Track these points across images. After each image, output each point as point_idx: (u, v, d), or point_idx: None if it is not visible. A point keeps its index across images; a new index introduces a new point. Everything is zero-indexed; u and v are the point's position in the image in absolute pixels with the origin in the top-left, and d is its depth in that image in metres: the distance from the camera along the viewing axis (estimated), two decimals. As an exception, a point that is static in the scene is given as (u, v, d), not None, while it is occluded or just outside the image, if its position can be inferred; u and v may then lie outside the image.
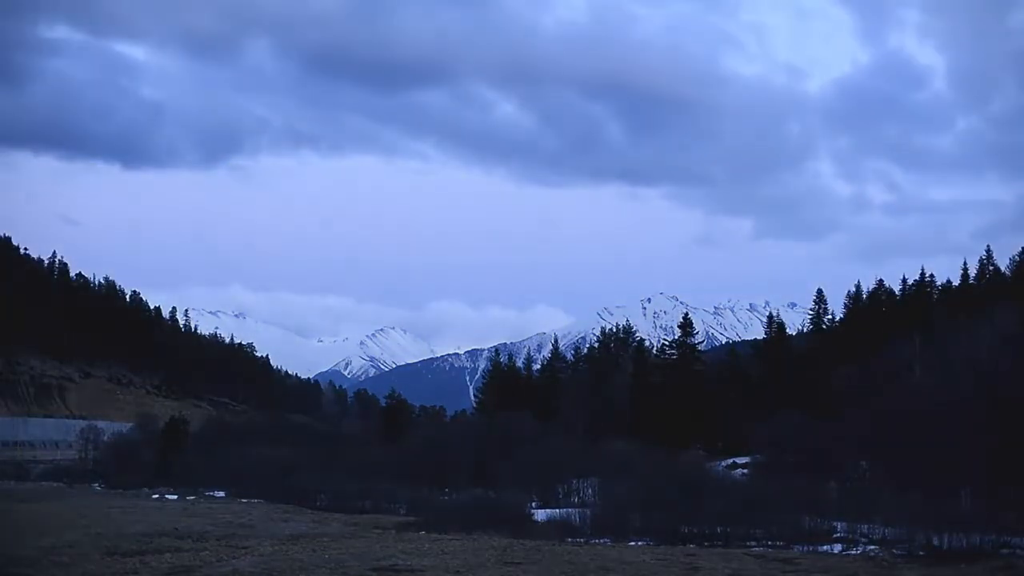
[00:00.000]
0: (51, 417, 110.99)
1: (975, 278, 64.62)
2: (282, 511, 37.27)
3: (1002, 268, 63.95)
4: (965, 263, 65.80)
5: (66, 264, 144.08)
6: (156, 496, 46.78)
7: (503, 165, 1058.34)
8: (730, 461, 48.03)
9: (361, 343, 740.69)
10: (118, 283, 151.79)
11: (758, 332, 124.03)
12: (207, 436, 66.77)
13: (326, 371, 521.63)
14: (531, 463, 41.52)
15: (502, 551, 21.97)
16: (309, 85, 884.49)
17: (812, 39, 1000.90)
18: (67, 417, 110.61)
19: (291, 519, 33.24)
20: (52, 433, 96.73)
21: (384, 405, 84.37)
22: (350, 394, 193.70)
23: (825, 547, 23.76)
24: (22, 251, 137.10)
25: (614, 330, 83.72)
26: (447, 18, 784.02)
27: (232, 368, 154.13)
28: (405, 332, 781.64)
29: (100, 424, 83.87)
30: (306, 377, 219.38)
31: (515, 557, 20.77)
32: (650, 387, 63.56)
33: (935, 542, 21.91)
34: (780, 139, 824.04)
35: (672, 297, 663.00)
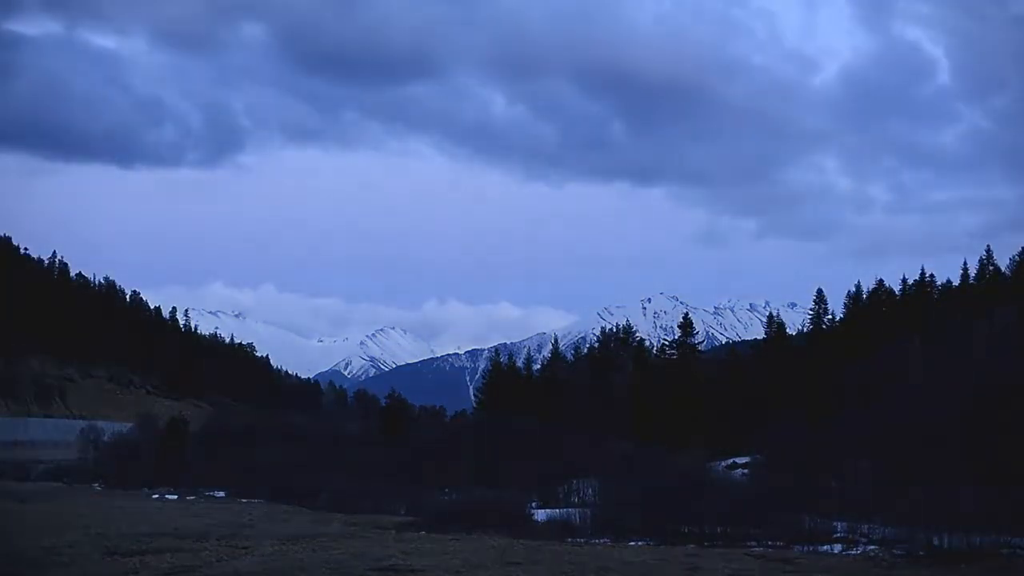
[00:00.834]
0: (51, 417, 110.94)
1: (975, 278, 64.64)
2: (282, 511, 37.24)
3: (1002, 268, 64.02)
4: (965, 263, 65.91)
5: (66, 264, 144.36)
6: (156, 496, 46.75)
7: (504, 163, 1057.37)
8: (730, 461, 47.99)
9: (361, 343, 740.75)
10: (118, 283, 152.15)
11: (758, 332, 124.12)
12: (207, 436, 66.65)
13: (326, 371, 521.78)
14: (531, 463, 41.51)
15: (502, 551, 21.96)
16: (307, 81, 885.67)
17: (816, 29, 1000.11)
18: (67, 417, 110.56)
19: (291, 519, 33.22)
20: (52, 433, 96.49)
21: (384, 405, 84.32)
22: (350, 394, 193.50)
23: (825, 547, 23.76)
24: (22, 251, 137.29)
25: (614, 330, 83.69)
26: (436, 11, 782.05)
27: (232, 368, 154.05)
28: (405, 332, 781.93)
29: (100, 424, 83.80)
30: (306, 377, 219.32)
31: (515, 557, 20.76)
32: (650, 387, 63.51)
33: (935, 542, 21.89)
34: (779, 137, 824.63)
35: (672, 297, 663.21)
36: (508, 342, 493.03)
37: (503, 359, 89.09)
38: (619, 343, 78.49)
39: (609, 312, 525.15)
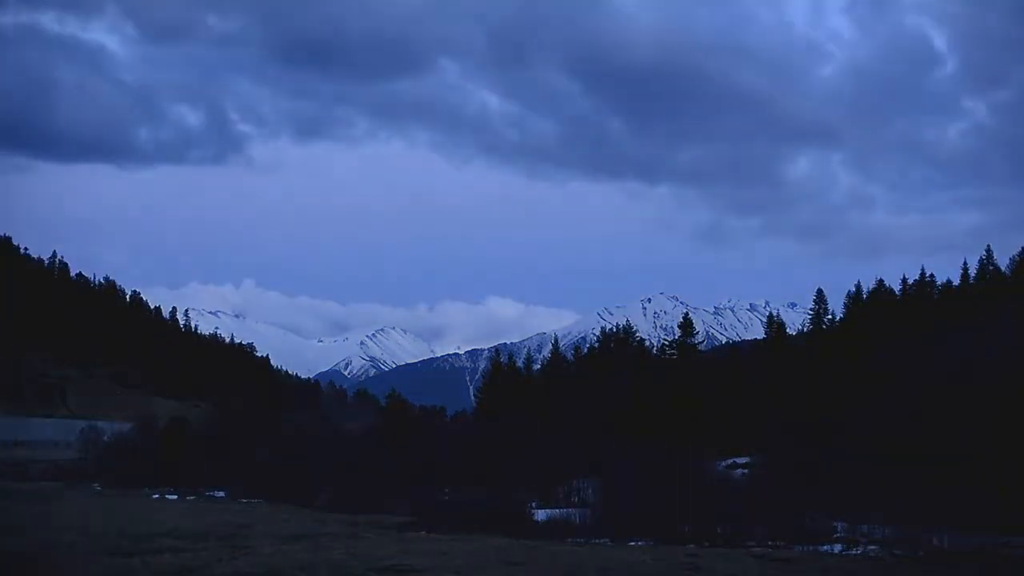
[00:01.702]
0: (51, 417, 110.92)
1: (975, 278, 64.61)
2: (282, 511, 37.26)
3: (1002, 268, 63.99)
4: (965, 263, 65.87)
5: (66, 264, 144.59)
6: (156, 496, 46.74)
7: (504, 160, 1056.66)
8: (730, 461, 47.93)
9: (361, 343, 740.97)
10: (118, 283, 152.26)
11: (758, 332, 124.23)
12: (207, 436, 66.59)
13: (326, 371, 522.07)
14: (531, 463, 41.48)
15: (502, 551, 21.96)
16: (306, 78, 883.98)
17: (817, 25, 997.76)
18: (67, 417, 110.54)
19: (291, 519, 33.22)
20: (52, 433, 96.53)
21: (384, 405, 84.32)
22: (350, 394, 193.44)
23: (825, 547, 23.76)
24: (22, 251, 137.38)
25: (614, 330, 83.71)
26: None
27: (232, 368, 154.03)
28: (405, 332, 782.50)
29: (100, 424, 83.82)
30: (306, 377, 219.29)
31: (515, 557, 20.76)
32: (650, 387, 63.46)
33: (935, 542, 21.90)
34: (779, 136, 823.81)
35: (672, 297, 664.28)
36: (508, 342, 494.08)
37: (503, 359, 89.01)
38: (619, 343, 78.46)
39: (609, 312, 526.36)
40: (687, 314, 74.55)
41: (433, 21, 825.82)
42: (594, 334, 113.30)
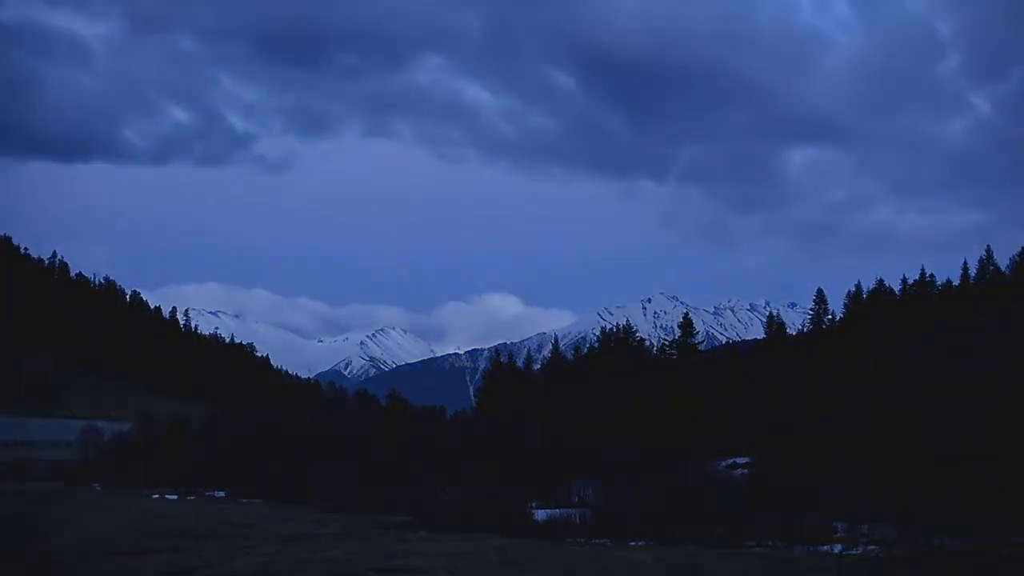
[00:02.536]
0: (51, 417, 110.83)
1: (975, 278, 64.65)
2: (282, 511, 37.26)
3: (1002, 268, 64.03)
4: (965, 263, 65.91)
5: (66, 264, 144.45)
6: (156, 496, 46.74)
7: (504, 160, 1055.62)
8: (730, 461, 47.95)
9: (361, 343, 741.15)
10: (118, 283, 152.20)
11: (758, 332, 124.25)
12: (207, 436, 66.60)
13: (326, 371, 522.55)
14: (531, 463, 41.46)
15: (502, 551, 21.95)
16: (307, 78, 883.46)
17: (818, 21, 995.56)
18: (67, 417, 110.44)
19: (291, 519, 33.22)
20: (52, 433, 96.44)
21: (384, 405, 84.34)
22: (350, 394, 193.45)
23: (825, 547, 23.75)
24: (22, 251, 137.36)
25: (614, 330, 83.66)
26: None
27: (232, 368, 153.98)
28: (405, 332, 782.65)
29: (100, 424, 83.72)
30: (306, 377, 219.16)
31: (515, 557, 20.76)
32: (650, 387, 63.47)
33: (935, 542, 21.89)
34: (779, 134, 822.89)
35: (672, 297, 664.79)
36: (508, 342, 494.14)
37: (503, 359, 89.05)
38: (619, 343, 78.43)
39: (609, 312, 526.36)
40: (687, 314, 74.55)
41: (423, 17, 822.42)
42: (594, 334, 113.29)
